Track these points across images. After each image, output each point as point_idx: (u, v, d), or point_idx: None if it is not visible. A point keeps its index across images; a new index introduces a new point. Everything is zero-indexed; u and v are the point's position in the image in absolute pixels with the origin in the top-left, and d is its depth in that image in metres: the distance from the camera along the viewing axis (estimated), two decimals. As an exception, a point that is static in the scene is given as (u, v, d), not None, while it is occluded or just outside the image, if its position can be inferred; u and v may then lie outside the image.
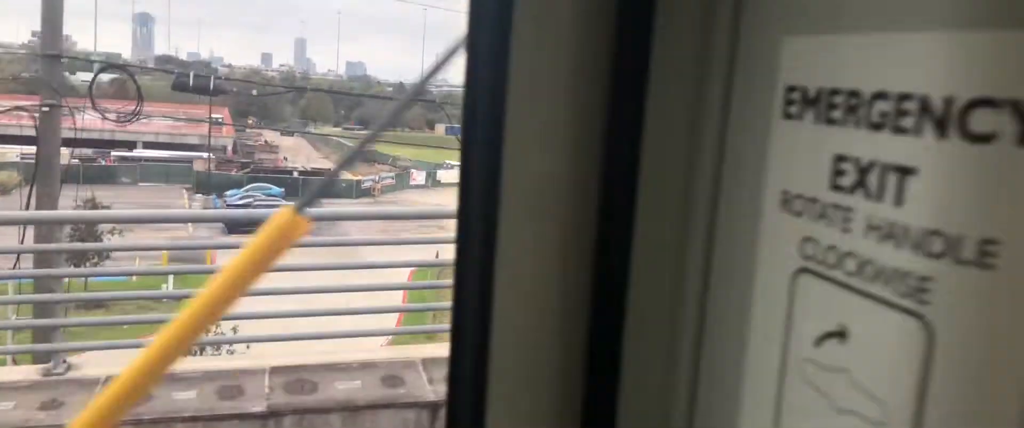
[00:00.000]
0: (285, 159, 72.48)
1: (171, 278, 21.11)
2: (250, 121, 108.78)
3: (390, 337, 9.38)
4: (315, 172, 62.39)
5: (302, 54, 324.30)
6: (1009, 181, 0.43)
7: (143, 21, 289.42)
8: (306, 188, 53.27)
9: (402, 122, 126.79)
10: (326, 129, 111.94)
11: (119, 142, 64.75)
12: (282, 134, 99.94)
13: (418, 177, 65.62)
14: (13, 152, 54.85)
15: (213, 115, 77.66)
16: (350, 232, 29.56)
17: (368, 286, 5.47)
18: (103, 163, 60.05)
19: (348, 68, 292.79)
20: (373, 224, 26.44)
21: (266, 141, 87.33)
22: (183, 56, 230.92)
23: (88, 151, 61.56)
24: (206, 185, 51.17)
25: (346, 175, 61.62)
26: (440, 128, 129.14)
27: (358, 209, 28.64)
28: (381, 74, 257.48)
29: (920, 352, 0.47)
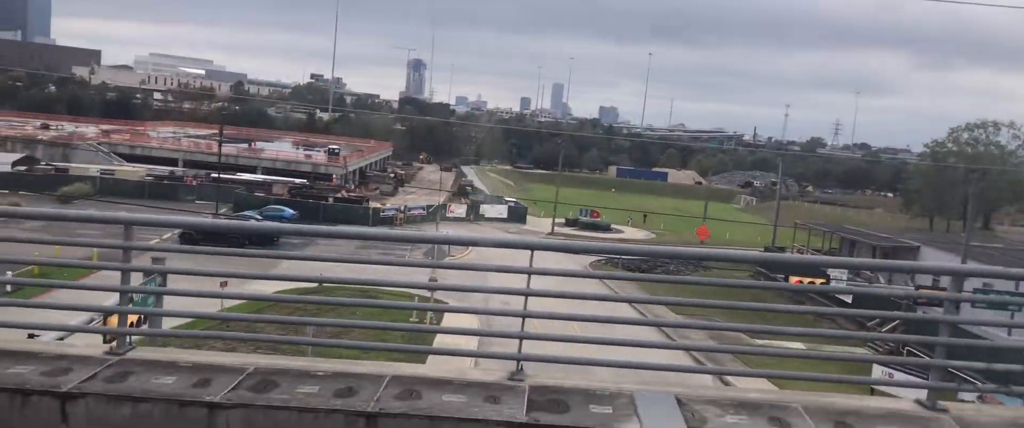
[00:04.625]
0: (356, 189, 74.64)
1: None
2: (422, 156, 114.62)
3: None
4: (353, 199, 64.22)
5: (559, 99, 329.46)
6: None
7: (416, 67, 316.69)
8: (325, 211, 55.04)
9: (582, 162, 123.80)
10: (492, 166, 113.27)
11: (244, 167, 71.66)
12: (442, 168, 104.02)
13: (457, 210, 63.90)
14: (94, 168, 64.47)
15: (331, 146, 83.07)
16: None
17: None
18: (189, 182, 65.24)
19: (602, 113, 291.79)
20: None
21: (395, 173, 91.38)
22: (451, 100, 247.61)
23: (172, 169, 69.61)
24: (241, 204, 55.41)
25: (375, 204, 62.61)
26: (612, 170, 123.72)
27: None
28: (631, 117, 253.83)
29: None
